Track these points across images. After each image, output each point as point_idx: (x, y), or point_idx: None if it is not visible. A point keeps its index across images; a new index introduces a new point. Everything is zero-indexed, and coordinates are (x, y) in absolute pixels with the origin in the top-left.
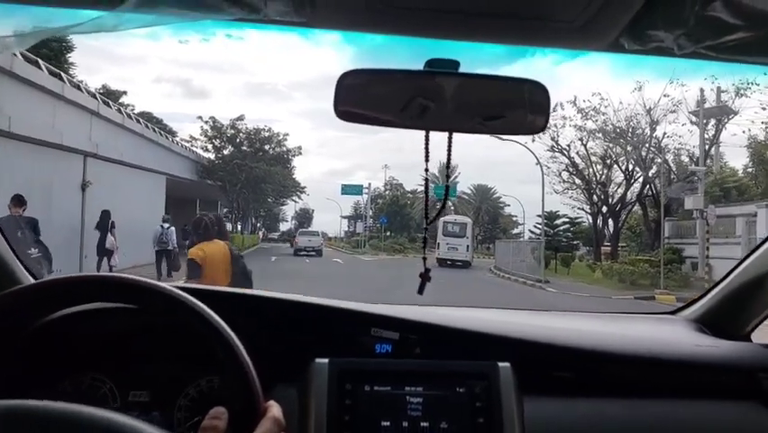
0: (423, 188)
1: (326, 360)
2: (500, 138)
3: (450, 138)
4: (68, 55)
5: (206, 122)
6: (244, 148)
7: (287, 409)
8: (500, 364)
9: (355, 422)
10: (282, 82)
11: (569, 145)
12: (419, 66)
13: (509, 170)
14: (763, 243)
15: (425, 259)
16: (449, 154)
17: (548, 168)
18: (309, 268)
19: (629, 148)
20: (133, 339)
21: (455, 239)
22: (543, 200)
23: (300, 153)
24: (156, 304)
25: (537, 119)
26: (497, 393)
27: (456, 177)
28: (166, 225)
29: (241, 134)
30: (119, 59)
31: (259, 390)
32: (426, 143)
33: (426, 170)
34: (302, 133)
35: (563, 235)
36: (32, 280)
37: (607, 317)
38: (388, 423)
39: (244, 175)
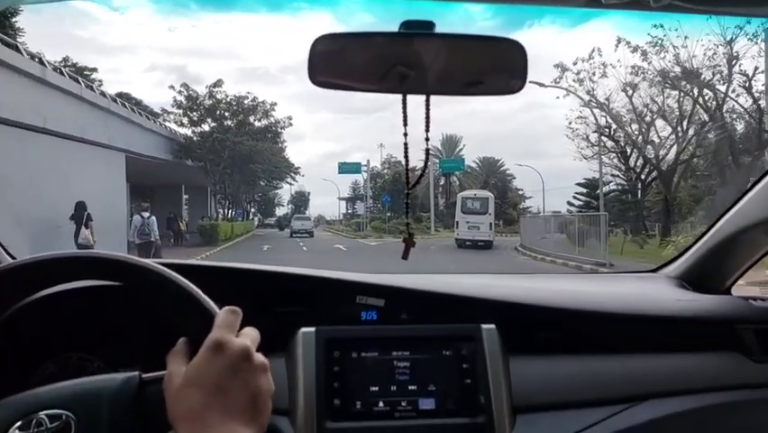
0: (428, 164)
1: (313, 329)
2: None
3: (427, 101)
4: (15, 19)
5: (179, 91)
6: (228, 123)
7: (275, 380)
8: (485, 326)
9: (344, 389)
10: (274, 66)
11: (608, 99)
12: (394, 28)
13: (512, 145)
14: (740, 198)
15: (408, 224)
16: (427, 118)
17: (573, 130)
18: (308, 258)
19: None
20: (119, 316)
21: (476, 216)
22: (600, 167)
23: (291, 125)
24: (140, 280)
25: (515, 79)
26: (482, 355)
27: (461, 149)
28: (146, 215)
29: (221, 105)
30: (110, 50)
31: (213, 306)
32: (404, 107)
33: (405, 134)
34: (296, 116)
35: (614, 207)
36: (10, 260)
37: (589, 277)
38: (376, 388)
39: (227, 153)
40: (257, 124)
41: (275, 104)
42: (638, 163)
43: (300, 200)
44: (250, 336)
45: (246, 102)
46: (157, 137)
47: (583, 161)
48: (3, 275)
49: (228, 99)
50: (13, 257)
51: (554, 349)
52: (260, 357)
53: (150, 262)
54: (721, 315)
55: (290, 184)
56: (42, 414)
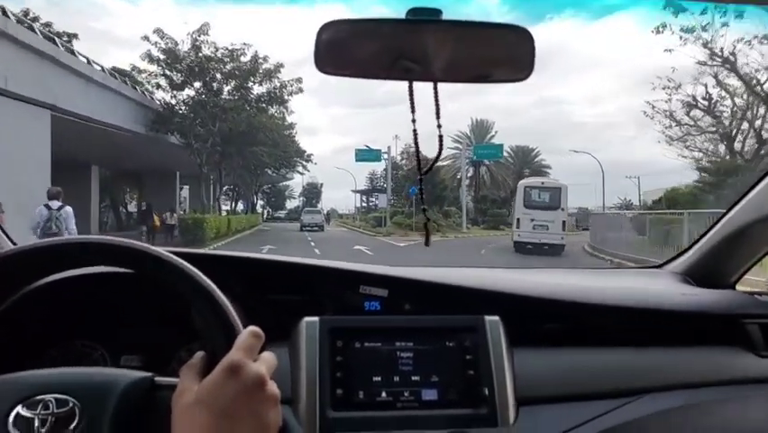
0: (455, 152)
1: (316, 318)
2: None
3: (435, 88)
4: None
5: (154, 43)
6: (220, 86)
7: (278, 369)
8: (489, 318)
9: (347, 378)
10: (288, 59)
11: (732, 54)
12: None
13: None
14: (745, 194)
15: (424, 209)
16: (437, 105)
17: (653, 107)
18: None
19: None
20: (123, 304)
21: (545, 213)
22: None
23: (301, 90)
24: (144, 267)
25: (523, 67)
26: (485, 346)
27: (492, 136)
28: (56, 205)
29: (210, 63)
30: (123, 42)
31: (238, 324)
32: (411, 94)
33: (414, 120)
34: (310, 110)
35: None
36: (11, 246)
37: (595, 272)
38: (379, 378)
39: (218, 125)
40: (257, 89)
41: (281, 65)
42: (747, 147)
43: (312, 192)
44: (267, 363)
45: (242, 58)
46: (120, 99)
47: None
48: (6, 261)
49: (218, 54)
50: (14, 243)
51: (558, 341)
52: (273, 388)
53: (156, 248)
54: (726, 309)
55: (301, 174)
56: (50, 397)
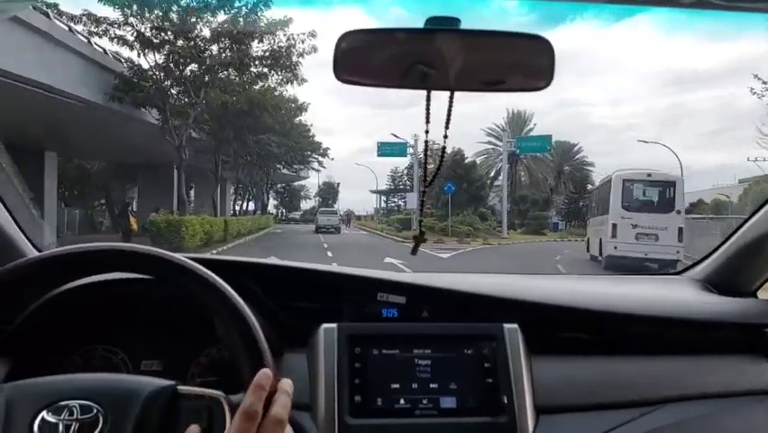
0: (488, 147)
1: (334, 325)
2: None
3: (451, 98)
4: None
5: None
6: (216, 47)
7: (296, 375)
8: (508, 326)
9: (365, 385)
10: (309, 61)
11: None
12: (419, 25)
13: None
14: (767, 201)
15: (420, 222)
16: (448, 116)
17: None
18: None
19: None
20: (143, 309)
21: (653, 216)
22: None
23: (314, 49)
24: (165, 273)
25: (541, 77)
26: (504, 354)
27: (531, 129)
28: None
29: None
30: None
31: (269, 358)
32: (428, 104)
33: (427, 131)
34: (331, 111)
35: None
36: (36, 253)
37: (614, 279)
38: (397, 385)
39: (203, 95)
40: (255, 48)
41: (290, 19)
42: None
43: (328, 192)
44: (283, 403)
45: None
46: (63, 53)
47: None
48: (25, 268)
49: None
50: (39, 249)
51: (578, 350)
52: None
53: (177, 255)
54: (747, 318)
55: (317, 171)
56: (75, 403)
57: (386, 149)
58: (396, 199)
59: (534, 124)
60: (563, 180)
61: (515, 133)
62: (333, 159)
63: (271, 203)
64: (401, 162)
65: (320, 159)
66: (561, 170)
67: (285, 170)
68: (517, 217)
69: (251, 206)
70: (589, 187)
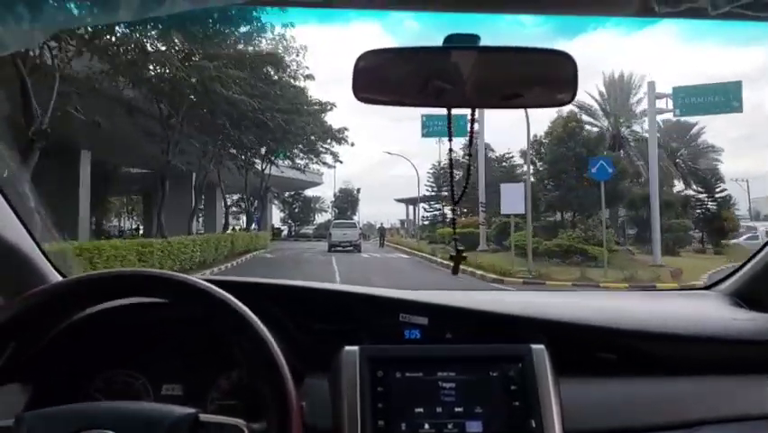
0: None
1: (356, 347)
2: None
3: (473, 114)
4: None
5: None
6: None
7: (318, 400)
8: (534, 346)
9: (388, 409)
10: (326, 74)
11: None
12: (438, 43)
13: None
14: None
15: (455, 239)
16: (471, 133)
17: None
18: None
19: None
20: (163, 333)
21: None
22: None
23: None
24: (186, 297)
25: (564, 92)
26: (531, 376)
27: (640, 99)
28: None
29: None
30: None
31: (291, 385)
32: (449, 122)
33: (450, 150)
34: (352, 122)
35: None
36: (60, 278)
37: (640, 295)
38: (421, 409)
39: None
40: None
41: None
42: None
43: (345, 200)
44: None
45: None
46: None
47: None
48: (49, 294)
49: None
50: (63, 275)
51: (608, 371)
52: None
53: (197, 279)
54: None
55: (331, 166)
56: (99, 432)
57: (435, 127)
58: (439, 206)
59: (644, 95)
60: (679, 168)
61: (620, 103)
62: (353, 144)
63: (278, 215)
64: (442, 152)
65: (334, 150)
66: (674, 156)
67: (287, 163)
68: (639, 228)
69: (254, 224)
70: (722, 186)
